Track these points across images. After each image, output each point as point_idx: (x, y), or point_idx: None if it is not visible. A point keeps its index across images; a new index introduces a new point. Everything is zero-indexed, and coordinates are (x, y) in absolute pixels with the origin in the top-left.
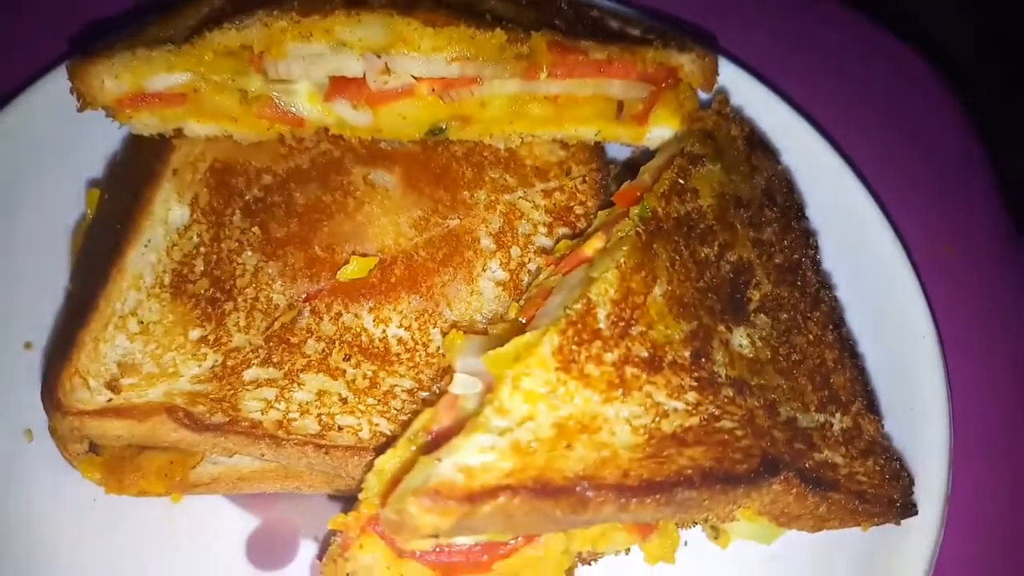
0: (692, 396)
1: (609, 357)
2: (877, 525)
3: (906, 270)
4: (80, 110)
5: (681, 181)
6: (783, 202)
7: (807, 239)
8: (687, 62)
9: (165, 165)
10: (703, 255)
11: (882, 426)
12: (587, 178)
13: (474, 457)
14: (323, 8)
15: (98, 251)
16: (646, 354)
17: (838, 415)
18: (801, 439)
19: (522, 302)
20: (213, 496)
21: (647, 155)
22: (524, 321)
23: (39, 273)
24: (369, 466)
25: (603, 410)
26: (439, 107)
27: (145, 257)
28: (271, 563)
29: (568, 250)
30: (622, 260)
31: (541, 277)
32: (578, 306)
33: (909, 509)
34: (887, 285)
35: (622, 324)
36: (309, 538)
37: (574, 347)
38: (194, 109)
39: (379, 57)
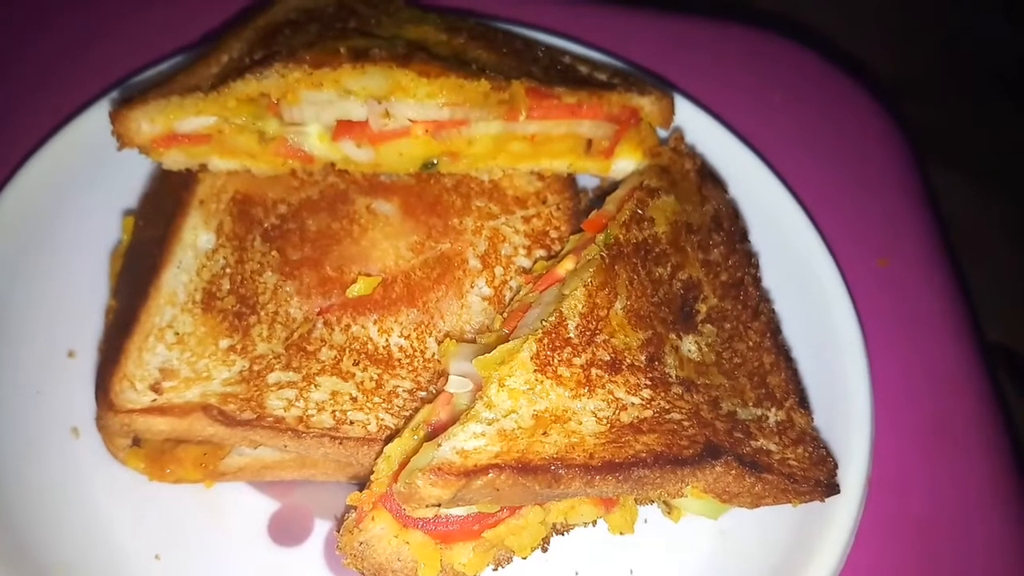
0: (647, 393)
1: (578, 361)
2: (806, 503)
3: (838, 285)
4: (120, 149)
5: (640, 211)
6: (729, 227)
7: (750, 259)
8: (647, 104)
9: (192, 196)
10: (658, 274)
11: (812, 420)
12: (561, 206)
13: (468, 442)
14: (332, 61)
15: (136, 272)
16: (608, 358)
17: (773, 410)
18: (740, 429)
19: (505, 315)
20: (240, 483)
21: (614, 184)
22: (507, 331)
23: (80, 291)
24: (378, 454)
25: (573, 404)
26: (432, 145)
27: (178, 277)
28: (289, 540)
29: (544, 270)
30: (589, 280)
31: (521, 293)
32: (552, 318)
33: (833, 489)
34: (821, 298)
35: (588, 333)
36: (322, 519)
37: (549, 353)
38: (218, 147)
39: (380, 103)
